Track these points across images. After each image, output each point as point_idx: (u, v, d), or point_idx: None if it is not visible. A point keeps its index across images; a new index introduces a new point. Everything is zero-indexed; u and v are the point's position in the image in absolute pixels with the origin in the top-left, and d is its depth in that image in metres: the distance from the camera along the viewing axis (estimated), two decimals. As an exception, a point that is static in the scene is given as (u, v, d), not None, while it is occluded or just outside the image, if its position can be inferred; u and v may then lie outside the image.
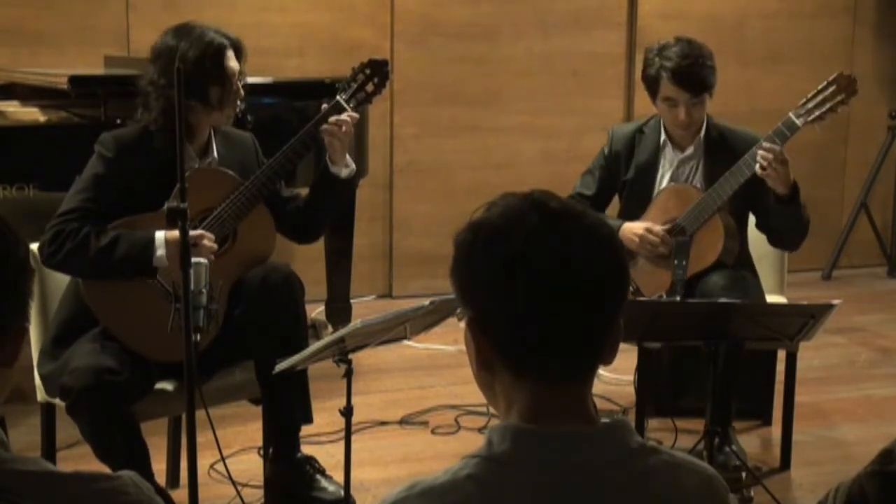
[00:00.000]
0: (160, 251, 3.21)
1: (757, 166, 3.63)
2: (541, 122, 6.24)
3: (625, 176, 3.98)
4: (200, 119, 3.35)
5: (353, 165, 3.53)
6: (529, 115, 6.21)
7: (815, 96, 3.68)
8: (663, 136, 3.92)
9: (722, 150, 3.84)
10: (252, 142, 3.58)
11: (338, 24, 5.86)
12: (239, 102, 3.40)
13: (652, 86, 3.83)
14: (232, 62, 3.35)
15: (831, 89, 3.67)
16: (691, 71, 3.74)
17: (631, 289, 3.86)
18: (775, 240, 3.93)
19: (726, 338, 3.34)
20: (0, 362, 1.45)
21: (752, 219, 3.96)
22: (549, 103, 6.24)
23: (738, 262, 3.88)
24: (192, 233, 3.01)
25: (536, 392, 1.45)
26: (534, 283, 1.41)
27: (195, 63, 3.24)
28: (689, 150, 3.89)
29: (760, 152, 3.62)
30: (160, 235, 3.21)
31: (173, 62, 3.24)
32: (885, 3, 6.75)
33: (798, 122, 3.65)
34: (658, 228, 3.82)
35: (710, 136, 3.89)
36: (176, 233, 3.10)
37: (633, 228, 3.84)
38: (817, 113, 3.67)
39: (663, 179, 3.93)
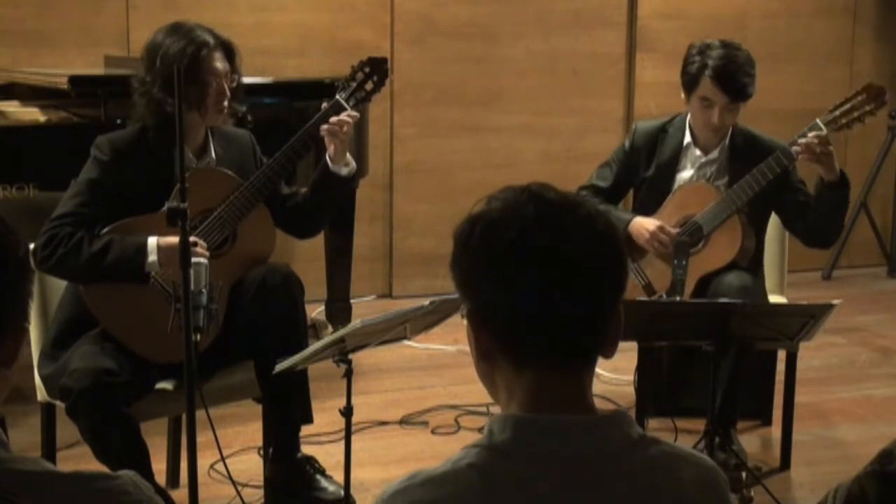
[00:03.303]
0: (152, 257, 3.20)
1: (801, 156, 3.63)
2: (541, 122, 6.24)
3: (644, 173, 3.97)
4: (184, 118, 3.31)
5: (354, 164, 3.52)
6: (529, 115, 6.21)
7: (843, 104, 3.69)
8: (688, 138, 3.92)
9: (746, 155, 3.84)
10: (250, 140, 3.57)
11: (338, 24, 5.86)
12: (226, 103, 3.34)
13: (690, 83, 3.81)
14: (217, 63, 3.31)
15: (860, 98, 3.68)
16: (735, 76, 3.73)
17: (643, 282, 3.88)
18: (810, 237, 3.90)
19: (726, 338, 3.34)
20: (0, 363, 1.45)
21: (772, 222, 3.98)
22: (549, 103, 6.24)
23: (751, 265, 3.89)
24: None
25: (536, 382, 1.46)
26: (531, 272, 1.42)
27: (172, 61, 3.20)
28: (714, 154, 3.89)
29: (804, 140, 3.62)
30: (152, 241, 3.20)
31: (156, 60, 3.25)
32: (885, 3, 6.75)
33: (825, 128, 3.66)
34: (670, 230, 3.82)
35: (734, 142, 3.89)
36: (168, 238, 3.11)
37: (644, 223, 3.84)
38: (844, 121, 3.69)
39: (683, 180, 3.92)
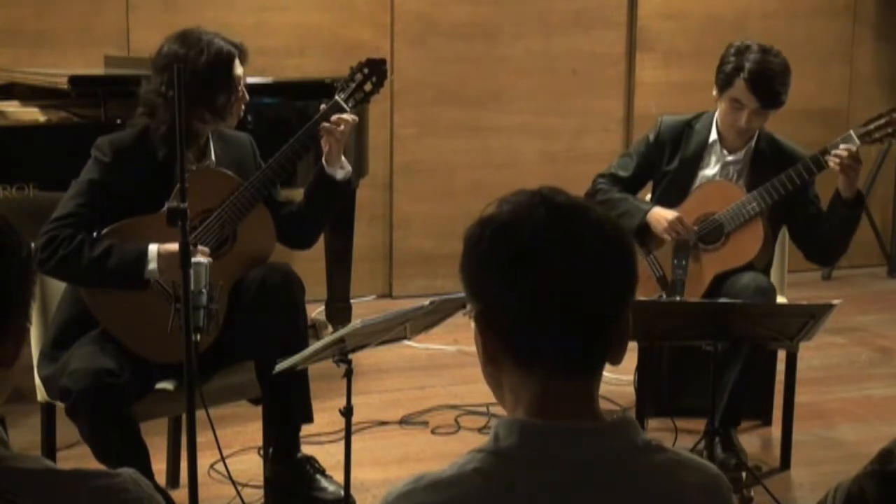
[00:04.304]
0: (152, 265, 3.20)
1: (831, 162, 3.66)
2: (541, 122, 6.24)
3: (667, 166, 3.99)
4: (206, 126, 3.34)
5: (349, 167, 3.51)
6: (529, 115, 6.21)
7: (878, 118, 3.71)
8: (714, 135, 3.93)
9: (769, 161, 3.86)
10: (249, 141, 3.57)
11: (338, 24, 5.86)
12: (244, 107, 3.40)
13: (724, 82, 3.82)
14: (238, 69, 3.34)
15: None
16: (769, 83, 3.74)
17: (658, 274, 3.90)
18: (814, 250, 3.95)
19: (727, 338, 3.35)
20: (1, 363, 1.45)
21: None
22: (549, 103, 6.24)
23: (765, 267, 3.92)
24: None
25: (543, 387, 1.46)
26: (539, 275, 1.42)
27: (205, 72, 3.23)
28: (738, 155, 3.91)
29: (837, 150, 3.65)
30: (153, 249, 3.20)
31: (181, 73, 3.24)
32: (885, 3, 6.75)
33: (858, 140, 3.68)
34: (688, 223, 3.83)
35: (759, 146, 3.90)
36: (168, 245, 3.12)
37: (663, 213, 3.87)
38: (878, 135, 3.71)
39: (705, 176, 3.94)
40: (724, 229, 3.84)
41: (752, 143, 3.90)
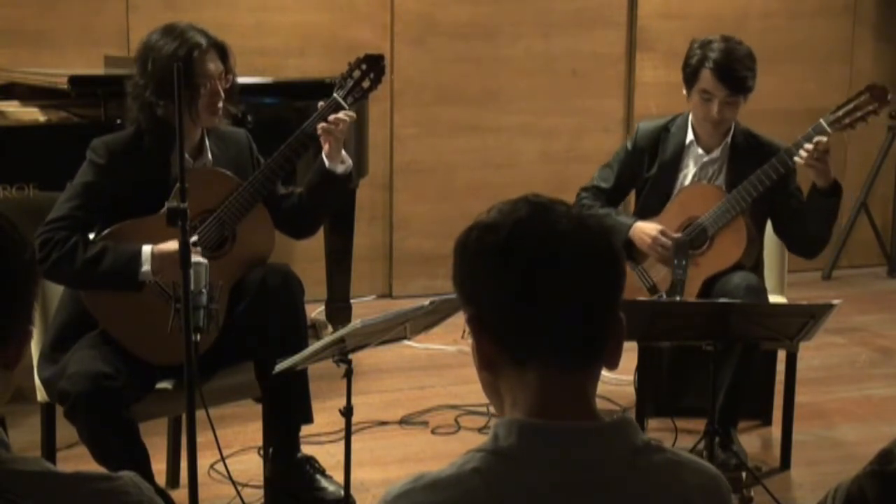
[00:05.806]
0: (146, 266, 3.19)
1: (798, 158, 3.67)
2: (541, 122, 6.24)
3: (647, 172, 3.98)
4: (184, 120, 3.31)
5: (350, 162, 3.51)
6: (529, 115, 6.21)
7: (846, 104, 3.73)
8: (690, 136, 3.93)
9: (747, 155, 3.86)
10: (246, 138, 3.56)
11: (338, 24, 5.86)
12: (220, 105, 3.32)
13: (690, 76, 3.84)
14: (210, 64, 3.29)
15: (863, 98, 3.72)
16: (733, 68, 3.76)
17: (648, 285, 3.89)
18: (796, 243, 3.96)
19: (727, 338, 3.35)
20: (3, 364, 1.45)
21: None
22: (549, 103, 6.24)
23: (754, 265, 3.91)
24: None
25: (540, 385, 1.46)
26: (524, 265, 1.44)
27: (165, 62, 3.19)
28: (715, 153, 3.91)
29: (806, 144, 3.65)
30: (147, 250, 3.19)
31: (148, 62, 3.24)
32: (885, 3, 6.75)
33: (829, 128, 3.68)
34: (671, 234, 3.83)
35: (735, 141, 3.90)
36: (162, 246, 3.12)
37: (645, 229, 3.86)
38: (847, 121, 3.72)
39: (686, 179, 3.94)
40: (708, 232, 3.83)
41: (729, 139, 3.91)
